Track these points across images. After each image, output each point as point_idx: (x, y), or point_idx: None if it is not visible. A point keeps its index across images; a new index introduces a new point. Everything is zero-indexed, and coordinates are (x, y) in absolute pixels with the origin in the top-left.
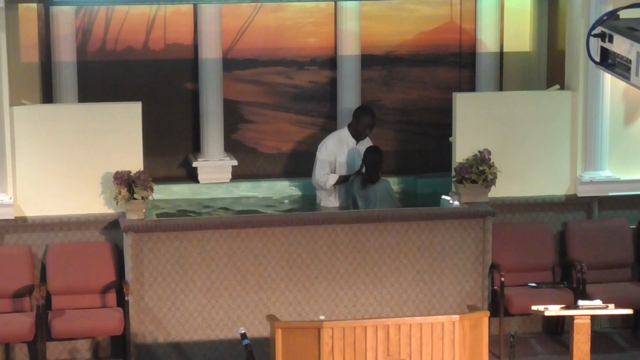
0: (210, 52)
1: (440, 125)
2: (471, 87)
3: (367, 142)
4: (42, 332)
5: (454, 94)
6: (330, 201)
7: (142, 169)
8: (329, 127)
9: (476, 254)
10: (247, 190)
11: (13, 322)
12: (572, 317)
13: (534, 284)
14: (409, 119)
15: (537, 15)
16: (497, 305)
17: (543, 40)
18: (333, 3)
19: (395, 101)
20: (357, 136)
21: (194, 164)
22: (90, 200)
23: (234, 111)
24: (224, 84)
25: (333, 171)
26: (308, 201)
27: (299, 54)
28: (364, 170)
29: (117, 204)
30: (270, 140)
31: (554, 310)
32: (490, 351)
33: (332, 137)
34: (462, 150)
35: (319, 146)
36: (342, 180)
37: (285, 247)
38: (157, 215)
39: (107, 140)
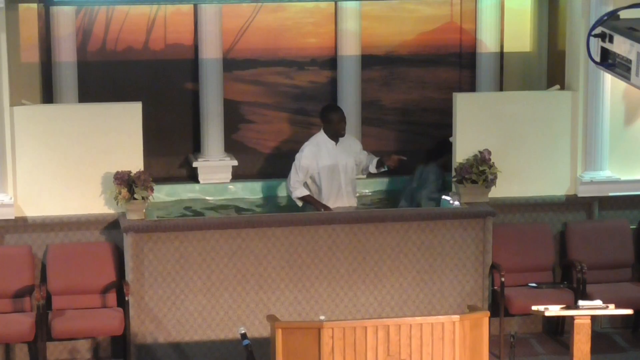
0: (211, 52)
1: (441, 125)
2: (471, 87)
3: (348, 140)
4: (42, 332)
5: (454, 94)
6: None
7: (142, 169)
8: None
9: (476, 254)
10: (247, 190)
11: (13, 322)
12: (572, 317)
13: (534, 284)
14: (409, 119)
15: (537, 15)
16: (497, 306)
17: (543, 40)
18: (333, 3)
19: (396, 101)
20: (335, 136)
21: (194, 164)
22: (90, 200)
23: (234, 111)
24: (224, 84)
25: (316, 176)
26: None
27: (299, 54)
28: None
29: (117, 204)
30: (270, 140)
31: (554, 310)
32: (490, 351)
33: (310, 143)
34: (462, 150)
35: (297, 154)
36: (310, 201)
37: (285, 247)
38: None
39: (107, 140)
